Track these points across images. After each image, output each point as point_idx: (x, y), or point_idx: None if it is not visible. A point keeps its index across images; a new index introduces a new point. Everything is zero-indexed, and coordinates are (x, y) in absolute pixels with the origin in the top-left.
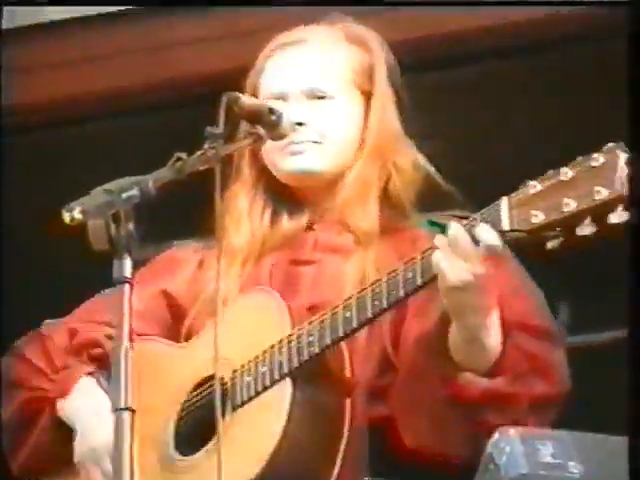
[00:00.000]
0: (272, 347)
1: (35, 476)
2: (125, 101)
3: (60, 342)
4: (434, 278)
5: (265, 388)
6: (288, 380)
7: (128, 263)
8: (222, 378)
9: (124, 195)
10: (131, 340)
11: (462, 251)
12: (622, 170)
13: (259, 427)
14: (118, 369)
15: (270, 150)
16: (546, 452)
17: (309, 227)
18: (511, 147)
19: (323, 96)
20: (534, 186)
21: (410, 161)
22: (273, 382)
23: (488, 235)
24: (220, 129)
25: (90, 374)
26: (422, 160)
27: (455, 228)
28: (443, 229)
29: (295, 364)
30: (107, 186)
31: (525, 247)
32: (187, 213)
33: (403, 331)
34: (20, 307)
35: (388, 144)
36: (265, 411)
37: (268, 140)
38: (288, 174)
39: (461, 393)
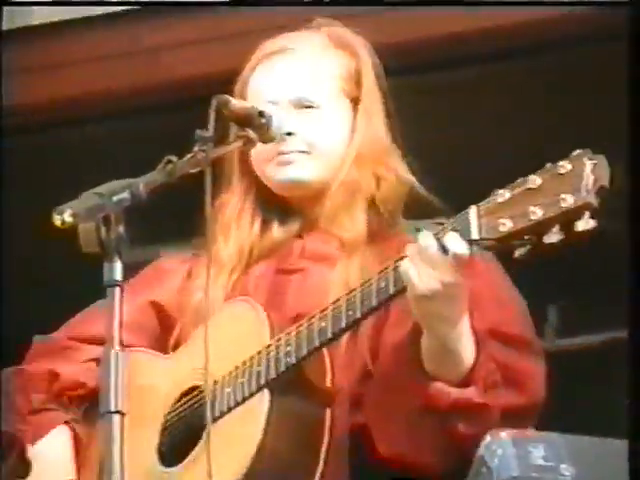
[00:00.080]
0: (251, 358)
1: None
2: (123, 103)
3: (40, 386)
4: (406, 287)
5: (244, 399)
6: (266, 391)
7: (118, 266)
8: (203, 389)
9: (115, 198)
10: (121, 343)
11: (430, 260)
12: (588, 177)
13: (237, 438)
14: (108, 372)
15: (259, 160)
16: (538, 454)
17: (298, 236)
18: (510, 148)
19: (311, 105)
20: (503, 194)
21: (394, 174)
22: (251, 393)
23: (456, 244)
24: (210, 132)
25: (67, 422)
26: (406, 172)
27: (424, 237)
28: None
29: (272, 375)
30: (98, 189)
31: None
32: (177, 216)
33: (382, 340)
34: (19, 307)
35: (373, 153)
36: (243, 422)
37: (258, 143)
38: (278, 184)
39: (432, 403)
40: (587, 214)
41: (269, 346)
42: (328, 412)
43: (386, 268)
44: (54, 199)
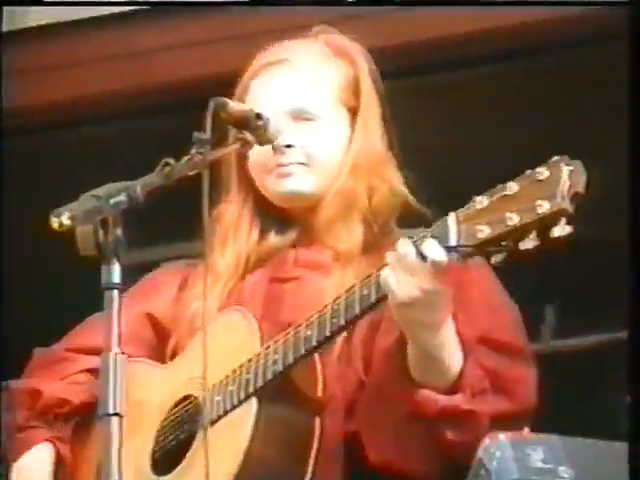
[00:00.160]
0: (241, 366)
1: None
2: (122, 105)
3: (24, 404)
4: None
5: (233, 407)
6: (254, 399)
7: (116, 269)
8: (196, 397)
9: (112, 201)
10: (120, 345)
11: (409, 267)
12: (564, 183)
13: (225, 446)
14: (107, 375)
15: (259, 171)
16: (537, 457)
17: (294, 245)
18: (511, 149)
19: (309, 117)
20: (481, 201)
21: (388, 185)
22: (240, 401)
23: (434, 251)
24: (207, 134)
25: (50, 440)
26: (400, 184)
27: (403, 244)
28: None
29: (260, 383)
30: (95, 191)
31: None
32: (175, 218)
33: (374, 348)
34: (19, 309)
35: (369, 163)
36: (231, 429)
37: (257, 151)
38: (277, 195)
39: (419, 410)
40: (563, 220)
41: (258, 354)
42: (317, 420)
43: (369, 276)
44: (53, 201)
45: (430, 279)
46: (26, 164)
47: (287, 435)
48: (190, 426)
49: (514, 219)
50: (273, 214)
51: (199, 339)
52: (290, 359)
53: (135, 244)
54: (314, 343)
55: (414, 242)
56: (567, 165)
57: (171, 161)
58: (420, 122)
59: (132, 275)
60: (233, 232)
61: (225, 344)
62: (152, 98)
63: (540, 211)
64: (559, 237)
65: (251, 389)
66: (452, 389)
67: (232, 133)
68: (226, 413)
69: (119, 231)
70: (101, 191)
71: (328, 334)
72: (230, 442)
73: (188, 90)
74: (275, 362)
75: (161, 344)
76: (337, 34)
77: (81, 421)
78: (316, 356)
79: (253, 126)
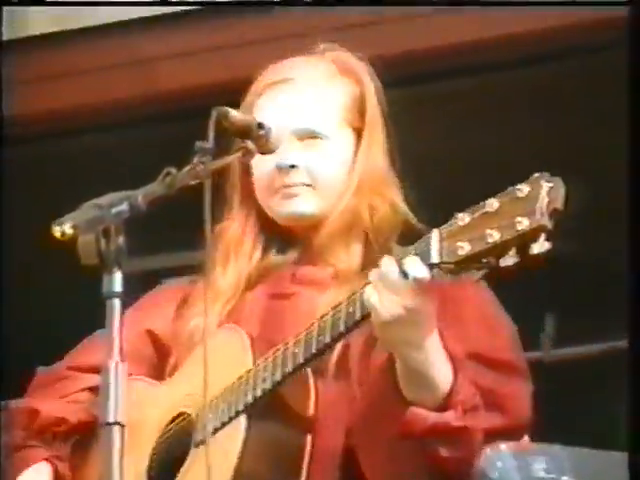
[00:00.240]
0: (232, 384)
1: None
2: (122, 113)
3: (21, 423)
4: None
5: (223, 424)
6: (244, 416)
7: (118, 278)
8: (189, 415)
9: (114, 210)
10: (122, 353)
11: (392, 285)
12: (543, 200)
13: (215, 463)
14: (107, 384)
15: (263, 191)
16: (539, 467)
17: (295, 263)
18: (510, 158)
19: (314, 136)
20: (463, 218)
21: (389, 205)
22: (230, 418)
23: (416, 268)
24: (209, 144)
25: (48, 459)
26: (401, 202)
27: (386, 262)
28: None
29: (249, 400)
30: (97, 201)
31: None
32: (177, 227)
33: (370, 364)
34: (19, 317)
35: (372, 183)
36: (221, 447)
37: (257, 154)
38: (282, 217)
39: (409, 428)
40: (542, 237)
41: (249, 372)
42: (309, 437)
43: (354, 293)
44: (55, 209)
45: (413, 296)
46: (28, 173)
47: (277, 452)
48: (183, 443)
49: (494, 236)
50: (276, 232)
51: (195, 357)
52: (278, 377)
53: (137, 252)
54: (301, 360)
55: (397, 259)
56: (547, 182)
57: (173, 170)
58: (420, 131)
59: (134, 284)
60: (235, 251)
61: (218, 362)
62: (154, 107)
63: (519, 228)
64: (538, 254)
65: (241, 407)
66: (443, 406)
67: (238, 143)
68: (216, 431)
69: (121, 240)
70: (103, 200)
71: (315, 351)
72: (220, 459)
73: (190, 99)
74: (264, 380)
75: (161, 361)
76: (344, 51)
77: (80, 440)
78: (310, 373)
79: (255, 135)
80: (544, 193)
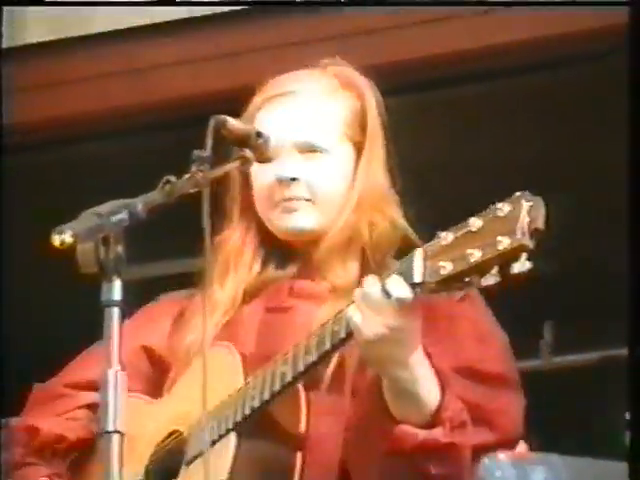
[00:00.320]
0: (222, 402)
1: None
2: (122, 121)
3: (21, 441)
4: None
5: (213, 442)
6: (233, 434)
7: (117, 286)
8: (181, 433)
9: (113, 218)
10: (121, 362)
11: (375, 305)
12: (524, 219)
13: None
14: (106, 393)
15: (264, 204)
16: (537, 476)
17: (293, 277)
18: (514, 165)
19: (315, 150)
20: (446, 237)
21: (388, 221)
22: (220, 435)
23: (398, 288)
24: (208, 152)
25: (48, 477)
26: (400, 218)
27: (369, 282)
28: None
29: (239, 418)
30: (97, 209)
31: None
32: (177, 233)
33: (363, 381)
34: (19, 325)
35: (372, 199)
36: (211, 465)
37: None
38: (282, 231)
39: (399, 445)
40: (524, 256)
41: (239, 390)
42: (299, 455)
43: (340, 312)
44: (54, 218)
45: (395, 316)
46: (26, 181)
47: (266, 470)
48: (175, 461)
49: (476, 255)
50: (275, 246)
51: (189, 375)
52: (266, 395)
53: (137, 259)
54: (289, 379)
55: (380, 279)
56: (527, 201)
57: (172, 179)
58: (423, 137)
59: (133, 291)
60: (235, 262)
61: (210, 380)
62: (153, 115)
63: (500, 247)
64: (519, 273)
65: (230, 424)
66: (431, 423)
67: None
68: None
69: (120, 248)
70: (102, 208)
71: (302, 370)
72: (210, 476)
73: (189, 107)
74: (253, 398)
75: (159, 376)
76: (346, 66)
77: (79, 457)
78: (301, 388)
79: (253, 144)
80: (525, 212)
